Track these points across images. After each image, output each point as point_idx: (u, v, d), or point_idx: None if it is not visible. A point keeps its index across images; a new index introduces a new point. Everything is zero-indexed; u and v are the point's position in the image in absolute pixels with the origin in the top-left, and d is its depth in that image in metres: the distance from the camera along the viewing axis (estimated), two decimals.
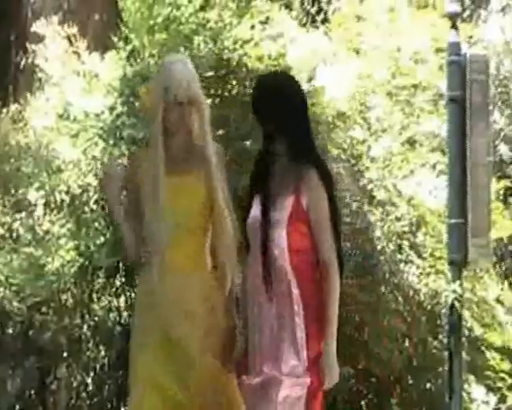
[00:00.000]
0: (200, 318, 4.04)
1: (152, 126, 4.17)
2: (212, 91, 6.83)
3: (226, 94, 6.92)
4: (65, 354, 7.14)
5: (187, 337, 4.02)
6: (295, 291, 3.82)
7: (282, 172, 3.98)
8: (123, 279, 6.99)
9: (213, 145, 4.16)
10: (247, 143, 6.69)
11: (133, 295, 6.85)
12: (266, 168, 4.02)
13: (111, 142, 6.93)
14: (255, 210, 3.97)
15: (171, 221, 4.01)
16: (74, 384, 7.19)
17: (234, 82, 6.92)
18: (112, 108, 7.00)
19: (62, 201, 7.12)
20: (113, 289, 7.03)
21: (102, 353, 7.04)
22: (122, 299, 7.03)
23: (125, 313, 6.94)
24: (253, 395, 3.92)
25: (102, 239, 6.88)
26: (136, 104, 6.87)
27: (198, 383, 3.99)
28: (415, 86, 7.98)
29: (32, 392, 7.28)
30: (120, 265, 6.89)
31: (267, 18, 7.24)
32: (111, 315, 6.99)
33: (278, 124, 3.90)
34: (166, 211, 4.03)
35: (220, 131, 6.43)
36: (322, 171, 3.95)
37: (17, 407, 7.42)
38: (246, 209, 4.03)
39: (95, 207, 7.08)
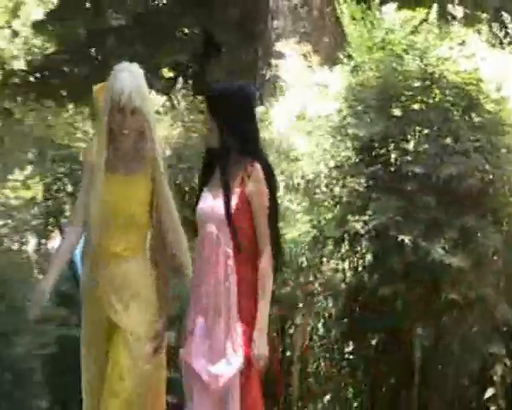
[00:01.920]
0: (138, 299, 4.27)
1: (99, 125, 4.42)
2: (419, 98, 7.68)
3: (430, 101, 7.70)
4: (300, 305, 7.97)
5: (127, 326, 4.22)
6: (228, 252, 4.07)
7: (230, 166, 4.20)
8: (347, 247, 7.73)
9: (161, 148, 4.43)
10: (449, 139, 7.56)
11: (355, 259, 7.79)
12: (214, 164, 4.26)
13: (338, 138, 7.86)
14: (207, 199, 4.20)
15: (111, 215, 4.26)
16: (307, 329, 8.01)
17: (436, 91, 7.72)
18: (339, 111, 7.93)
19: (298, 184, 8.02)
20: (339, 255, 7.78)
21: (330, 304, 7.87)
22: (346, 263, 7.76)
23: (348, 274, 7.73)
24: (195, 376, 4.14)
25: (330, 215, 7.75)
26: (359, 108, 7.91)
27: (133, 368, 4.19)
28: None
29: (274, 334, 7.89)
30: (345, 235, 7.67)
31: (463, 41, 8.04)
32: (337, 275, 7.75)
33: (227, 122, 4.15)
34: (104, 205, 4.24)
35: (425, 131, 7.58)
36: (266, 165, 4.21)
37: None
38: (197, 199, 4.28)
39: (325, 189, 7.91)
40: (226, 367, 4.01)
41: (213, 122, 4.19)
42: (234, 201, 4.05)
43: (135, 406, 4.19)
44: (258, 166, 4.09)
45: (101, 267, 4.25)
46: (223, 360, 4.03)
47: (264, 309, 4.03)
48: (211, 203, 4.13)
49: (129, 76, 4.26)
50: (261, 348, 3.97)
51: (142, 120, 4.19)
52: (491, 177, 7.62)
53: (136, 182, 4.26)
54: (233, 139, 4.14)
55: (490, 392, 7.59)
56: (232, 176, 4.11)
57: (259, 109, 8.68)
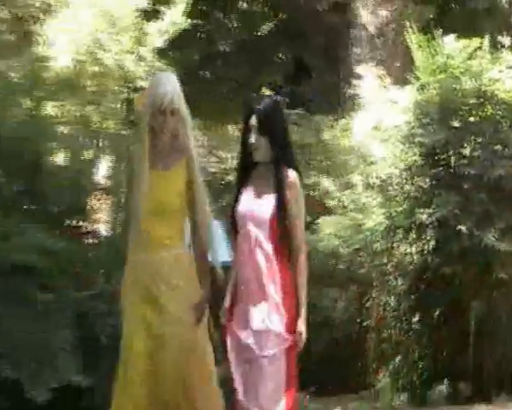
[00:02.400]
0: (177, 287, 4.24)
1: (141, 127, 4.37)
2: (474, 112, 8.31)
3: (483, 115, 8.35)
4: (374, 283, 8.61)
5: (169, 302, 4.22)
6: (269, 251, 4.07)
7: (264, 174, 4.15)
8: (414, 235, 8.24)
9: (194, 147, 4.41)
10: (499, 146, 8.24)
11: (421, 245, 8.21)
12: (249, 170, 4.22)
13: (407, 145, 8.48)
14: (245, 203, 4.15)
15: (152, 206, 4.24)
16: (381, 303, 8.58)
17: (488, 107, 8.35)
18: (407, 123, 8.53)
19: (374, 183, 8.65)
20: (408, 241, 8.30)
21: (400, 283, 8.41)
22: (413, 248, 8.21)
23: (415, 257, 8.18)
24: (239, 345, 4.14)
25: (400, 208, 8.35)
26: (424, 121, 8.41)
27: (171, 338, 4.20)
28: None
29: (353, 309, 8.87)
30: (413, 225, 8.19)
31: (511, 66, 8.50)
32: (406, 258, 8.29)
33: (272, 137, 4.07)
34: (147, 197, 4.23)
35: (479, 139, 8.20)
36: (299, 173, 4.17)
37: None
38: (235, 200, 4.20)
39: (396, 187, 8.48)
40: (271, 330, 4.03)
41: (261, 138, 4.07)
42: (271, 208, 4.04)
43: (180, 372, 4.19)
44: (294, 174, 4.11)
45: (144, 251, 4.27)
46: (267, 327, 4.03)
47: (304, 299, 4.08)
48: (251, 206, 4.10)
49: (169, 83, 4.33)
50: (303, 332, 4.04)
51: (180, 119, 4.23)
52: None
53: (173, 176, 4.28)
54: (281, 152, 4.09)
55: None
56: (272, 185, 4.10)
57: (342, 122, 9.50)
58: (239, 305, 4.13)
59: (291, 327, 4.01)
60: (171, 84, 4.28)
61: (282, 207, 4.03)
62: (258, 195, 4.11)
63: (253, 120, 4.10)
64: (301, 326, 4.02)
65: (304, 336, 4.01)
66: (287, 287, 4.04)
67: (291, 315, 4.03)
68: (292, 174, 4.08)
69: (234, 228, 4.19)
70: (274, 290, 4.02)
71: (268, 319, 4.00)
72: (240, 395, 4.08)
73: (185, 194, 4.24)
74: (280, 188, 4.05)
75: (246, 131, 4.15)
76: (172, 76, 4.52)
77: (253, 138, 4.07)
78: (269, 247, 4.05)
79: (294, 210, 4.07)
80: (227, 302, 4.16)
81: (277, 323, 4.01)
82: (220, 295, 4.22)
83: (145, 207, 4.20)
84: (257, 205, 4.09)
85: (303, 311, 4.05)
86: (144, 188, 4.20)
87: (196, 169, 4.26)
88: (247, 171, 4.20)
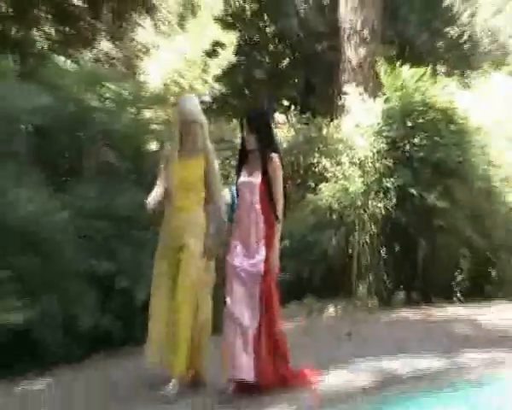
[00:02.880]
0: (195, 233, 4.17)
1: (173, 131, 4.30)
2: (421, 116, 7.96)
3: (427, 118, 7.98)
4: (356, 227, 7.92)
5: (190, 250, 4.14)
6: (257, 208, 4.04)
7: (255, 156, 4.11)
8: (382, 196, 7.89)
9: (210, 144, 4.29)
10: (438, 138, 7.89)
11: (387, 202, 7.82)
12: (247, 156, 4.18)
13: (377, 137, 8.12)
14: (244, 176, 4.14)
15: (180, 183, 4.16)
16: (361, 240, 7.94)
17: (431, 112, 7.99)
18: (378, 123, 8.15)
19: (356, 162, 8.24)
20: (378, 200, 7.90)
21: (373, 227, 7.87)
22: (381, 204, 7.80)
23: (383, 210, 7.78)
24: (233, 271, 4.07)
25: (373, 178, 7.94)
26: (389, 121, 8.04)
27: (186, 264, 4.12)
28: None
29: (342, 244, 8.15)
30: (381, 189, 7.85)
31: (444, 85, 8.35)
32: (377, 211, 7.83)
33: (260, 134, 4.07)
34: (176, 177, 4.15)
35: (426, 134, 7.83)
36: (280, 156, 4.14)
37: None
38: (237, 175, 4.21)
39: (371, 165, 8.04)
40: (253, 263, 4.02)
41: (251, 134, 4.08)
42: (257, 179, 4.04)
43: (194, 289, 4.15)
44: (275, 155, 4.08)
45: (173, 213, 4.20)
46: (251, 260, 4.03)
47: (277, 242, 4.03)
48: (247, 179, 4.11)
49: (190, 103, 4.28)
50: (275, 260, 4.03)
51: (199, 127, 4.18)
52: (460, 159, 8.07)
53: (194, 163, 4.20)
54: (263, 143, 4.08)
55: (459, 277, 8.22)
56: (259, 164, 4.07)
57: (335, 122, 9.19)
58: (234, 242, 4.11)
59: (267, 261, 4.01)
60: (191, 104, 4.25)
61: (265, 176, 4.03)
62: (251, 171, 4.09)
63: (245, 122, 4.13)
64: (273, 258, 4.01)
65: (274, 264, 4.01)
66: (268, 231, 4.03)
67: (268, 252, 4.01)
68: (273, 155, 4.06)
69: (237, 193, 4.21)
70: (257, 236, 4.02)
71: (252, 254, 4.00)
72: (228, 302, 4.07)
73: (204, 177, 4.20)
74: (264, 166, 4.03)
75: (242, 130, 4.17)
76: (193, 97, 4.49)
77: (245, 134, 4.12)
78: (258, 206, 4.03)
79: (273, 178, 4.02)
80: (228, 241, 4.16)
81: (258, 257, 4.00)
82: (223, 238, 4.27)
83: (174, 183, 4.17)
84: (250, 177, 4.07)
85: (276, 250, 4.03)
86: (174, 172, 4.18)
87: (211, 160, 4.23)
88: (244, 156, 4.20)
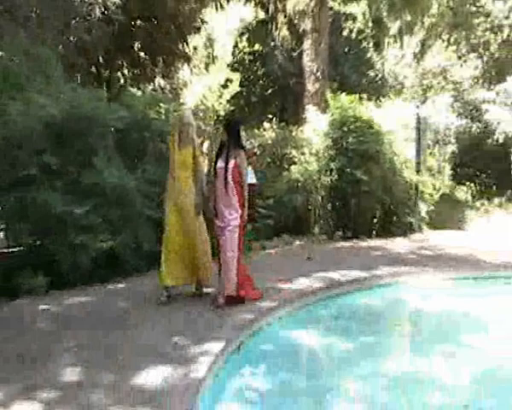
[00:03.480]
0: (190, 197, 3.90)
1: (175, 132, 3.94)
2: (352, 125, 7.57)
3: (356, 126, 7.59)
4: (313, 193, 7.67)
5: (185, 205, 3.89)
6: (231, 184, 3.74)
7: (230, 150, 3.81)
8: (329, 173, 7.52)
9: (197, 139, 4.00)
10: (362, 137, 7.52)
11: (332, 176, 7.44)
12: (223, 148, 3.85)
13: (326, 137, 7.78)
14: (220, 162, 3.82)
15: (178, 164, 3.90)
16: (316, 200, 7.66)
17: (358, 123, 7.60)
18: (327, 128, 7.77)
19: (313, 152, 7.84)
20: (327, 175, 7.55)
21: (323, 192, 7.55)
22: (329, 178, 7.44)
23: (329, 182, 7.46)
24: (219, 231, 3.82)
25: (323, 162, 7.58)
26: (332, 128, 7.63)
27: (188, 226, 3.91)
28: None
29: (304, 202, 7.80)
30: (328, 169, 7.50)
31: (366, 106, 8.12)
32: (326, 182, 7.49)
33: (232, 135, 3.80)
34: (176, 161, 3.90)
35: (355, 134, 7.50)
36: (245, 152, 3.83)
37: None
38: (215, 162, 3.87)
39: (322, 154, 7.67)
40: (232, 218, 3.79)
41: (226, 134, 3.83)
42: (231, 164, 3.75)
43: (193, 229, 3.92)
44: (242, 152, 3.81)
45: (174, 185, 3.94)
46: (230, 217, 3.78)
47: (245, 204, 3.79)
48: (222, 164, 3.82)
49: (187, 112, 4.09)
50: (244, 216, 3.79)
51: (191, 128, 3.91)
52: (377, 149, 7.67)
53: (187, 151, 3.93)
54: (234, 141, 3.81)
55: (375, 221, 7.83)
56: (232, 155, 3.78)
57: (300, 128, 8.73)
58: (216, 206, 3.86)
59: (241, 217, 3.79)
60: (187, 113, 4.05)
61: (236, 162, 3.77)
62: (227, 159, 3.79)
63: (223, 128, 3.96)
64: (244, 215, 3.78)
65: (245, 217, 3.77)
66: (238, 200, 3.78)
67: (240, 212, 3.78)
68: (240, 150, 3.81)
69: (214, 174, 3.89)
70: (232, 201, 3.77)
71: (229, 213, 3.76)
72: (221, 243, 3.83)
73: (192, 162, 3.94)
74: (235, 156, 3.77)
75: (223, 132, 3.96)
76: (189, 110, 4.38)
77: (223, 135, 3.94)
78: (231, 183, 3.76)
79: (241, 165, 3.78)
80: (212, 205, 3.90)
81: (234, 214, 3.76)
82: (208, 203, 4.00)
83: (176, 164, 3.91)
84: (225, 163, 3.78)
85: (245, 210, 3.78)
86: (175, 156, 3.91)
87: (197, 151, 3.96)
88: (222, 148, 3.90)
